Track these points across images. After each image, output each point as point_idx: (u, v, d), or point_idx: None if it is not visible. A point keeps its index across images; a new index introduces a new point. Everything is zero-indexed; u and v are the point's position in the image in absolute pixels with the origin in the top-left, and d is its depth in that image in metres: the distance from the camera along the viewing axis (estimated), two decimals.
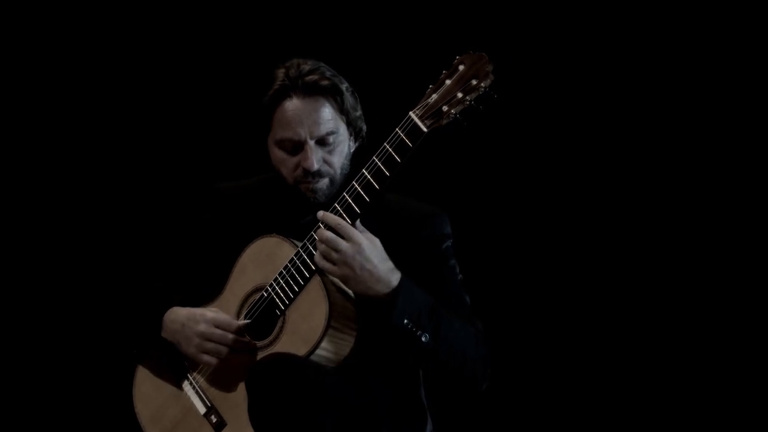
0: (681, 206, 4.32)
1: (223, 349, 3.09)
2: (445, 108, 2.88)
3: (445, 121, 2.90)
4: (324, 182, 3.13)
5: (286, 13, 4.50)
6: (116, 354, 3.35)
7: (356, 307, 3.02)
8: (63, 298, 4.61)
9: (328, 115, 3.11)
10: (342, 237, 2.95)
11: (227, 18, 4.55)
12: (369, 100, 3.29)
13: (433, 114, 2.89)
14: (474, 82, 2.87)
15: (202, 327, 3.11)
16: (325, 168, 3.12)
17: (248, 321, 3.11)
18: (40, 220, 4.63)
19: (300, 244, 3.05)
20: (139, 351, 3.26)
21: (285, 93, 3.11)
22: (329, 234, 2.96)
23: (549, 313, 4.43)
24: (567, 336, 4.41)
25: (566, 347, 4.42)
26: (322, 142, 3.11)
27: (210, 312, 3.13)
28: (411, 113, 2.91)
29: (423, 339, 2.97)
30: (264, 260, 3.12)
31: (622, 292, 4.37)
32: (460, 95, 2.88)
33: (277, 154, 3.15)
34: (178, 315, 3.16)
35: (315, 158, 3.10)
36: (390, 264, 2.99)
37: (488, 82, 2.87)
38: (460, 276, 3.18)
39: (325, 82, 3.10)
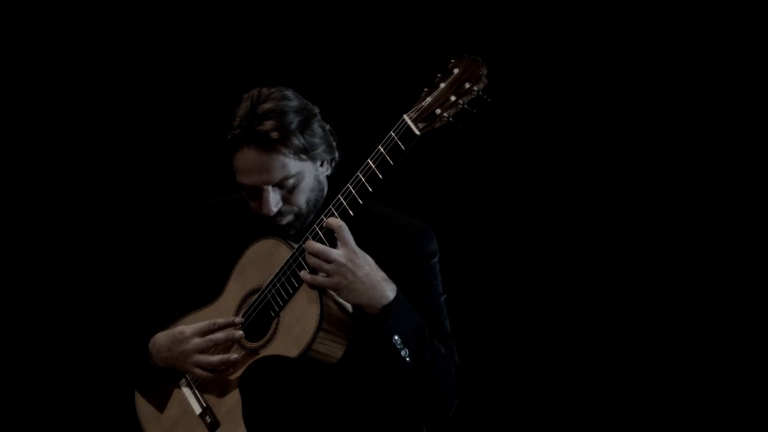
0: (675, 209, 4.29)
1: (207, 360, 3.09)
2: (438, 111, 2.87)
3: (437, 125, 2.88)
4: (289, 218, 3.10)
5: (286, 14, 4.49)
6: (115, 385, 3.38)
7: (350, 310, 3.02)
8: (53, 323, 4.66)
9: (281, 162, 3.05)
10: (335, 245, 2.95)
11: (218, 24, 4.54)
12: (371, 98, 3.27)
13: (426, 117, 2.88)
14: (467, 85, 2.86)
15: (187, 346, 3.12)
16: (287, 207, 3.10)
17: (238, 320, 3.11)
18: (35, 231, 4.67)
19: (296, 246, 3.05)
20: (136, 383, 3.28)
21: (237, 144, 3.06)
22: (318, 246, 2.96)
23: (541, 319, 4.41)
24: (561, 343, 4.40)
25: (561, 355, 4.40)
26: (280, 185, 3.08)
27: (186, 328, 3.13)
28: (405, 116, 2.90)
29: (406, 359, 2.96)
30: (262, 262, 3.12)
31: (613, 297, 4.35)
32: (453, 98, 2.86)
33: (243, 192, 3.15)
34: (162, 342, 3.17)
35: (272, 202, 3.07)
36: (383, 273, 2.97)
37: (481, 85, 2.85)
38: (444, 296, 3.15)
39: (274, 135, 3.02)
